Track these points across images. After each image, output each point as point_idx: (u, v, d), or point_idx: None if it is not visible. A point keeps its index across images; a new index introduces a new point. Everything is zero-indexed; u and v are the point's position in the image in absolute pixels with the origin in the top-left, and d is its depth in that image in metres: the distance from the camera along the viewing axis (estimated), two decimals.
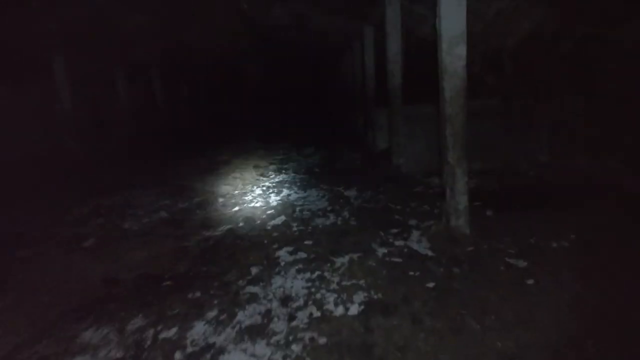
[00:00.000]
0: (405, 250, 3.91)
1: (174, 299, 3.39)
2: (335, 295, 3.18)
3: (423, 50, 8.62)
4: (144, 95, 13.41)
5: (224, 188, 7.03)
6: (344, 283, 3.36)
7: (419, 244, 4.03)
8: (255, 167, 8.71)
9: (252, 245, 4.38)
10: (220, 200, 6.39)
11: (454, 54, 3.76)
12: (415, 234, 4.27)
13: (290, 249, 4.16)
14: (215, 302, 3.28)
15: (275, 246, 4.28)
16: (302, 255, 3.98)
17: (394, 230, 4.42)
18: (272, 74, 17.30)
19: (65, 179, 7.98)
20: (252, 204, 6.00)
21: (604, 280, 3.06)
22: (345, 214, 5.17)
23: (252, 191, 6.76)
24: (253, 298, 3.28)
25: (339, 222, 4.89)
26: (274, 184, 7.12)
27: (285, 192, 6.53)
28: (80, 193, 7.33)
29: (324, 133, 13.44)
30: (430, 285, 3.24)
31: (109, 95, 10.84)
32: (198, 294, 3.43)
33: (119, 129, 11.14)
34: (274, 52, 12.94)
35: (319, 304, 3.09)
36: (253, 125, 18.23)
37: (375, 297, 3.13)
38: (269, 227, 4.92)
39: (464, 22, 3.70)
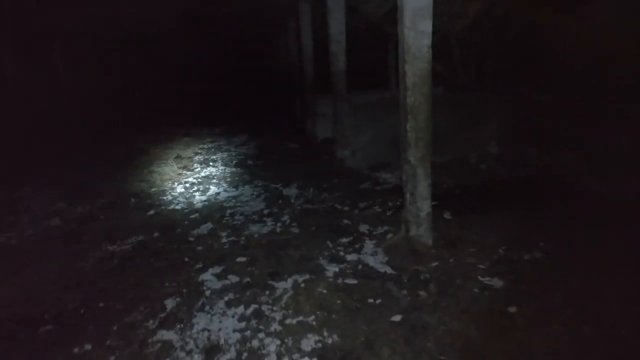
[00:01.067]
0: (360, 267, 3.24)
1: (53, 355, 2.43)
2: (278, 342, 2.42)
3: (368, 31, 7.97)
4: (45, 76, 11.48)
5: (138, 185, 5.92)
6: (288, 321, 2.60)
7: (374, 257, 3.38)
8: (178, 158, 7.61)
9: (169, 266, 3.46)
10: (132, 201, 5.31)
11: (418, 31, 3.09)
12: (369, 244, 3.62)
13: (218, 269, 3.31)
14: (112, 359, 2.37)
15: (199, 266, 3.41)
16: (233, 279, 3.15)
17: (344, 240, 3.74)
18: (200, 56, 15.79)
19: None
20: (172, 206, 5.01)
21: (596, 304, 2.61)
22: (286, 218, 4.40)
23: (173, 189, 5.74)
24: (166, 349, 2.42)
25: (278, 230, 4.11)
26: (199, 180, 6.13)
27: (213, 189, 5.60)
28: None
29: (258, 120, 12.47)
30: (397, 319, 2.59)
31: None
32: (88, 346, 2.50)
33: (8, 114, 9.32)
34: (201, 31, 11.61)
35: (257, 357, 2.32)
36: (177, 111, 16.71)
37: (330, 341, 2.41)
38: (191, 239, 4.01)
39: None
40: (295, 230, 4.08)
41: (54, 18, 8.97)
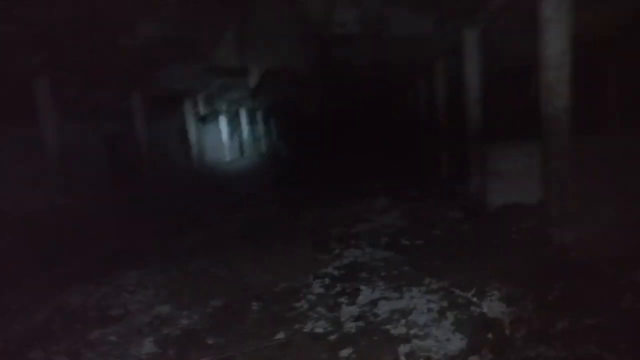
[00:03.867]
0: None
1: None
2: None
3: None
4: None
5: (263, 278, 4.38)
6: None
7: None
8: (310, 232, 6.05)
9: None
10: (254, 308, 3.73)
11: None
12: None
13: None
14: None
15: None
16: None
17: None
18: (331, 103, 14.84)
19: (41, 254, 5.67)
20: (309, 326, 3.28)
21: None
22: None
23: (307, 287, 4.06)
24: None
25: None
26: (341, 271, 4.39)
27: (365, 293, 3.76)
28: (51, 279, 4.96)
29: (395, 176, 10.67)
30: None
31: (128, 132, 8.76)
32: None
33: (139, 175, 8.98)
34: (335, 76, 10.47)
35: None
36: (303, 166, 15.91)
37: None
38: None
39: None
40: None
41: None
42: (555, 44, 3.62)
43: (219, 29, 6.59)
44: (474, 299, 3.33)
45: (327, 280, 4.16)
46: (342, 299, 3.69)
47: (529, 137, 5.92)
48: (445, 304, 3.34)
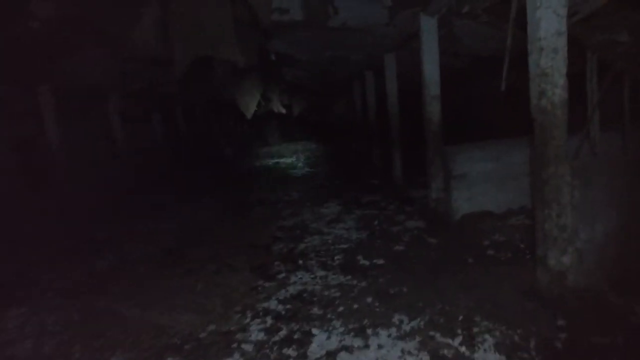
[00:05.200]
0: None
1: None
2: None
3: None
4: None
5: (184, 318, 3.37)
6: None
7: None
8: (249, 248, 5.09)
9: None
10: None
11: None
12: None
13: None
14: None
15: None
16: None
17: None
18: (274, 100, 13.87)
19: None
20: None
21: None
22: None
23: (244, 331, 3.11)
24: None
25: None
26: (287, 307, 3.47)
27: (317, 338, 2.89)
28: None
29: (344, 179, 9.91)
30: None
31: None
32: None
33: (53, 185, 7.52)
34: (275, 69, 9.55)
35: None
36: (246, 168, 14.83)
37: None
38: None
39: None
40: None
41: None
42: (549, 24, 2.95)
43: (133, 8, 5.41)
44: (463, 349, 2.56)
45: (269, 320, 3.23)
46: (289, 350, 2.79)
47: (496, 137, 5.40)
48: (426, 357, 2.53)
